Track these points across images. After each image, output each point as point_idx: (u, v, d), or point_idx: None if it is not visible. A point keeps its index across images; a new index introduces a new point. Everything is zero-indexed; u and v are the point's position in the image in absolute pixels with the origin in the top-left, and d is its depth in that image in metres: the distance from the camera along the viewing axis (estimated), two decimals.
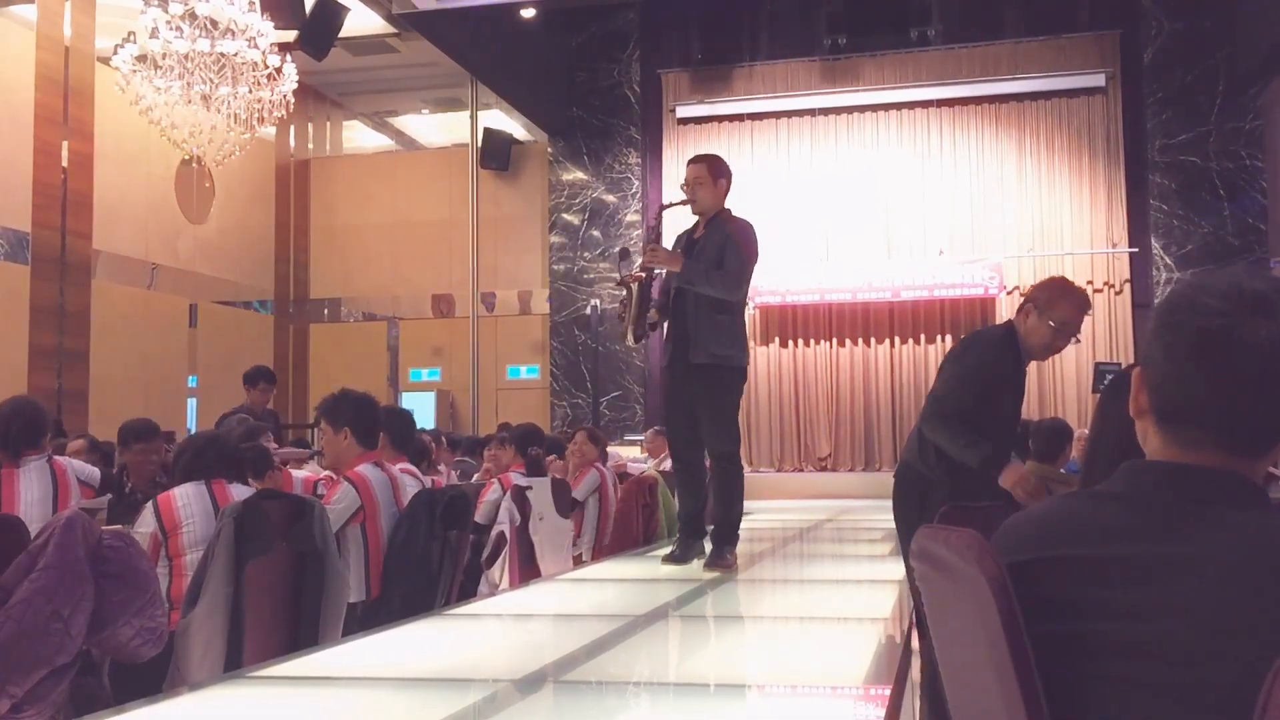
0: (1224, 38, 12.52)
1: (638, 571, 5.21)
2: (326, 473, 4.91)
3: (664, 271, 4.91)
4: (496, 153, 14.95)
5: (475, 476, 6.87)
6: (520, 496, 5.58)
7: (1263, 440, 1.14)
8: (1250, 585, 1.04)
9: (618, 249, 5.24)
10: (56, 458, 4.37)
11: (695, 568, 4.84)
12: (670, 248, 5.01)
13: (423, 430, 7.72)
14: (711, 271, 4.75)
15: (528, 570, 5.50)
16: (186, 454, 3.89)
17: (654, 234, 5.04)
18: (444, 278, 15.33)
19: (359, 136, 17.56)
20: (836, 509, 10.10)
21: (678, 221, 5.53)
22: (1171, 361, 1.15)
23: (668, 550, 5.12)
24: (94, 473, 4.70)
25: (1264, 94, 12.54)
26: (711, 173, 4.93)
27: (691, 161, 5.05)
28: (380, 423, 4.53)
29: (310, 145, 16.30)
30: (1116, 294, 13.13)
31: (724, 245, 4.81)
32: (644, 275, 4.85)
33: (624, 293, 4.95)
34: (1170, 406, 1.17)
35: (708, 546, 4.97)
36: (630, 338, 4.93)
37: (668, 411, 5.20)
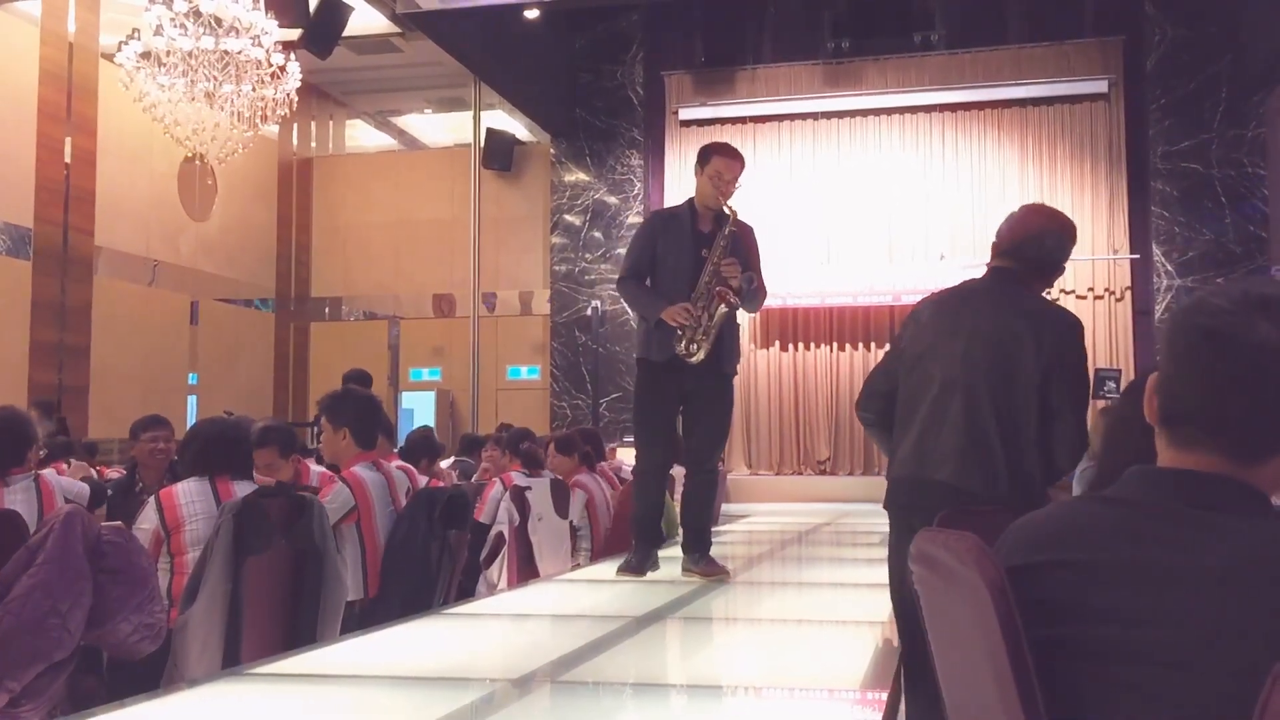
0: (1227, 45, 12.52)
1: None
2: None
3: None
4: (499, 153, 14.96)
5: (474, 477, 6.87)
6: (519, 497, 5.58)
7: (1260, 443, 1.14)
8: (1249, 593, 1.04)
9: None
10: (45, 475, 4.08)
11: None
12: (653, 230, 4.85)
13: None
14: (754, 289, 4.70)
15: (526, 570, 5.51)
16: (195, 444, 3.87)
17: (680, 231, 4.78)
18: (445, 277, 15.34)
19: (362, 135, 17.58)
20: (835, 512, 10.11)
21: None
22: (1174, 361, 1.16)
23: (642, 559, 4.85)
24: (82, 490, 4.64)
25: (1267, 101, 12.54)
26: (742, 172, 4.83)
27: (734, 157, 4.82)
28: (380, 424, 4.53)
29: (313, 144, 16.32)
30: (1117, 301, 13.13)
31: (749, 255, 4.74)
32: (734, 299, 4.58)
33: (703, 310, 4.58)
34: (1172, 407, 1.17)
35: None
36: (702, 354, 4.56)
37: (656, 413, 4.77)
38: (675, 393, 4.70)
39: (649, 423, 4.80)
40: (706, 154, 4.82)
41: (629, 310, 5.00)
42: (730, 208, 4.74)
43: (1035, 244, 2.98)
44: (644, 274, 4.77)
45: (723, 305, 4.56)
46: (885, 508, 3.09)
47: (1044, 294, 3.05)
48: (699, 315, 4.56)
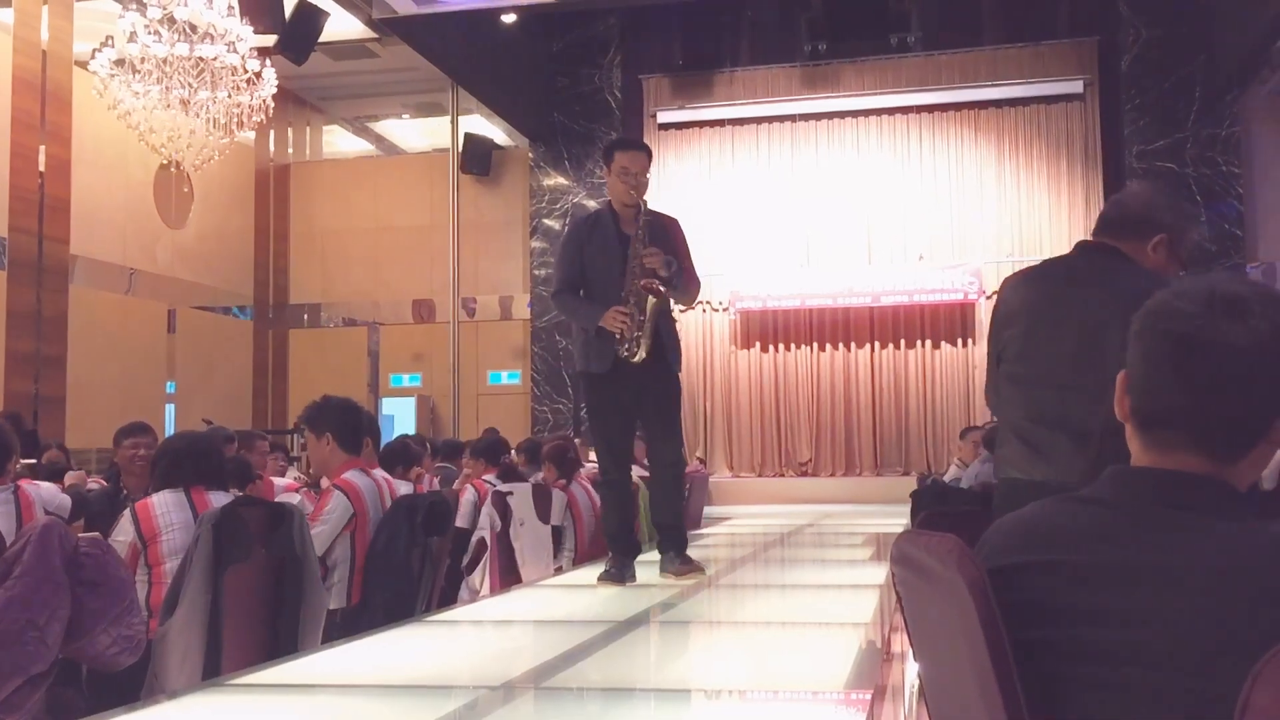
0: (1201, 45, 12.62)
1: None
2: (307, 481, 4.88)
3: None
4: (477, 158, 14.94)
5: (455, 483, 6.86)
6: (501, 502, 5.57)
7: (1238, 443, 1.15)
8: (1228, 594, 1.04)
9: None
10: (25, 486, 3.99)
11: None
12: (578, 239, 4.72)
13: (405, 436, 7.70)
14: (684, 276, 4.62)
15: (509, 576, 5.49)
16: (165, 459, 3.84)
17: (605, 235, 4.67)
18: (425, 283, 15.30)
19: (339, 141, 17.52)
20: (817, 514, 10.12)
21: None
22: (1148, 366, 1.16)
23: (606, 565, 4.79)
24: (64, 501, 4.59)
25: (1240, 101, 12.64)
26: (649, 162, 4.77)
27: (635, 148, 4.76)
28: (364, 428, 4.47)
29: (290, 150, 16.25)
30: None
31: (673, 246, 4.63)
32: (663, 288, 4.48)
33: (634, 307, 4.50)
34: (1147, 411, 1.17)
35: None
36: (643, 352, 4.48)
37: (606, 422, 4.73)
38: (624, 399, 4.63)
39: (603, 433, 4.78)
40: (610, 152, 4.74)
41: (573, 324, 4.83)
42: (644, 202, 4.65)
43: (1116, 204, 2.78)
44: (576, 285, 4.70)
45: (651, 296, 4.47)
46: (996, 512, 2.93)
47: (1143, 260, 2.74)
48: (631, 313, 4.49)
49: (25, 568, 2.37)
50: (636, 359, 4.49)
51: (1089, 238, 2.82)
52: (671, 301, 4.62)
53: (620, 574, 4.65)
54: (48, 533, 2.44)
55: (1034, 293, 2.80)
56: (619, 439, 4.76)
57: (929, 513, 2.87)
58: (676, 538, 4.73)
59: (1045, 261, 2.96)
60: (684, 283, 4.61)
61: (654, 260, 4.47)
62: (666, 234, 4.68)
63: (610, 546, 4.80)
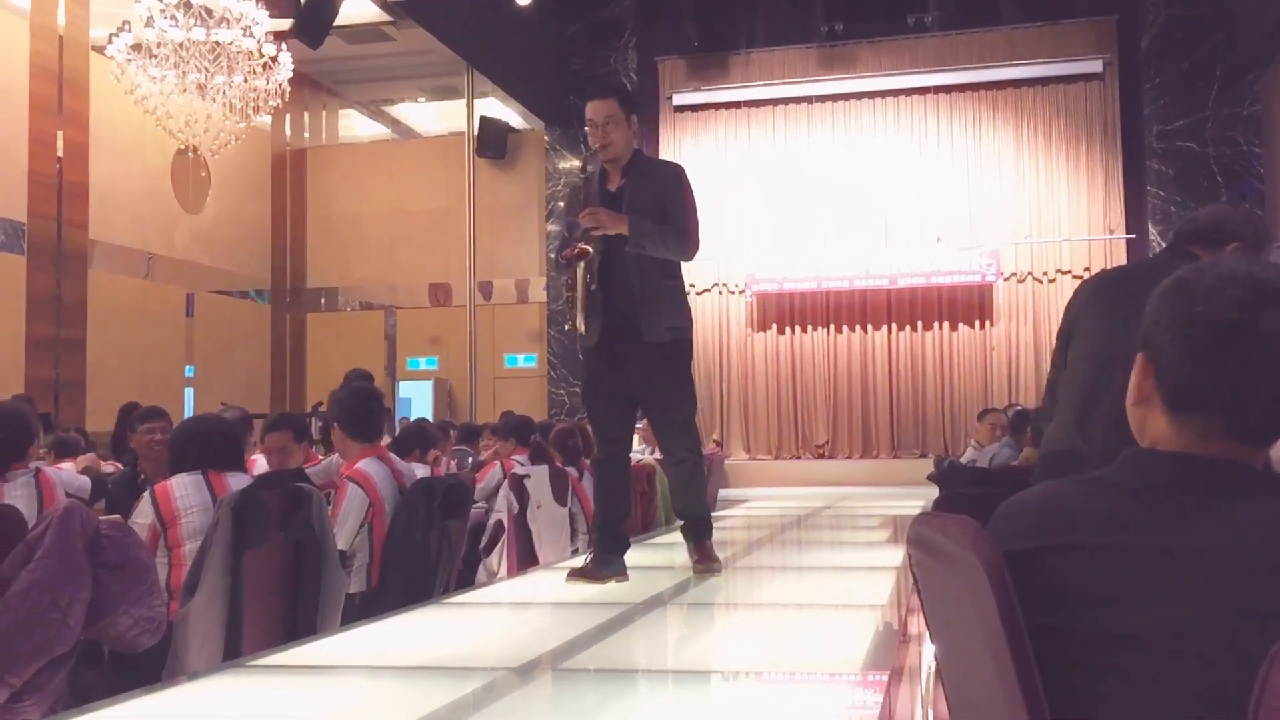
0: (1221, 23, 12.50)
1: (636, 559, 5.18)
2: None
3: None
4: (493, 141, 14.93)
5: (481, 459, 6.88)
6: (518, 485, 5.59)
7: (1275, 430, 1.15)
8: (1246, 576, 1.04)
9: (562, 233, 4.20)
10: (45, 470, 3.98)
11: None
12: (569, 204, 4.35)
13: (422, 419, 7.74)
14: (662, 229, 4.09)
15: (525, 558, 5.51)
16: (176, 446, 3.85)
17: (589, 195, 4.24)
18: (441, 266, 15.32)
19: (355, 125, 17.53)
20: (834, 496, 10.12)
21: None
22: (1190, 352, 1.14)
23: (586, 557, 4.38)
24: (84, 483, 4.61)
25: (1261, 80, 12.52)
26: (624, 109, 4.20)
27: (596, 98, 4.21)
28: (371, 413, 4.39)
29: (306, 134, 16.27)
30: None
31: (662, 195, 4.15)
32: (589, 250, 4.04)
33: (566, 275, 4.17)
34: (1184, 395, 1.16)
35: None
36: (581, 323, 4.12)
37: (594, 400, 4.35)
38: (614, 376, 4.23)
39: (591, 414, 4.44)
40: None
41: None
42: (639, 151, 4.30)
43: (1191, 220, 2.91)
44: None
45: (579, 262, 4.05)
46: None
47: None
48: (569, 285, 4.16)
49: (47, 550, 2.39)
50: (581, 330, 4.18)
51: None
52: (657, 258, 4.14)
53: (597, 570, 4.17)
54: (69, 515, 2.46)
55: (1111, 281, 2.91)
56: (605, 419, 4.36)
57: (945, 495, 2.86)
58: (693, 529, 4.40)
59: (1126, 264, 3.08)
60: (657, 236, 4.09)
61: (588, 219, 4.06)
62: (652, 181, 4.23)
63: (595, 538, 4.43)
